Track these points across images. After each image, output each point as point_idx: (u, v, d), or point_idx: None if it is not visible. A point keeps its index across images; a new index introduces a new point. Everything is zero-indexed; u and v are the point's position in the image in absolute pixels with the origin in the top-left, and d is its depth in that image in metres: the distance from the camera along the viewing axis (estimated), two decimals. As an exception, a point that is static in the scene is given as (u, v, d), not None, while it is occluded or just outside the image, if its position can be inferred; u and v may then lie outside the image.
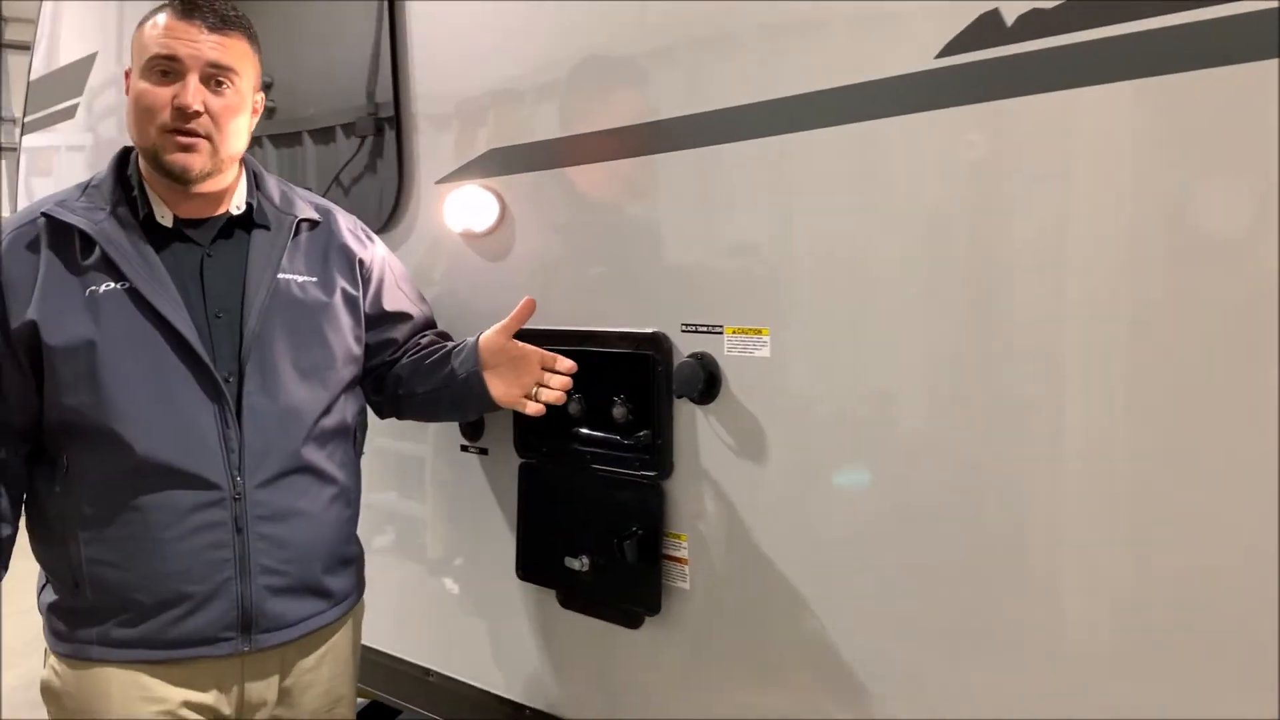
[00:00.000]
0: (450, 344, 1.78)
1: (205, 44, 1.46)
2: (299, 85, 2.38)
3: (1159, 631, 1.27)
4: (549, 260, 1.89)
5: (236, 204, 1.58)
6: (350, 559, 1.69)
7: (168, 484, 1.45)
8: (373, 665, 2.33)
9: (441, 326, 2.11)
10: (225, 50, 1.49)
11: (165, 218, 1.52)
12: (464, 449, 2.10)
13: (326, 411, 1.60)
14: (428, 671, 2.24)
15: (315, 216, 1.67)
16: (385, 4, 2.10)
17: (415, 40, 2.09)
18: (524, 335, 1.87)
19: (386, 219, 2.17)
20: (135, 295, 1.45)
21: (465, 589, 2.18)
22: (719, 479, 1.69)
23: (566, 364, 1.72)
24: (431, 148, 2.09)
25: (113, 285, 1.46)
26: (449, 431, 2.11)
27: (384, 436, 2.26)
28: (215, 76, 1.48)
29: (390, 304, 1.76)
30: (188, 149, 1.47)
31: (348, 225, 1.73)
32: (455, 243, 2.04)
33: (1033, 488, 1.36)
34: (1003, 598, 1.39)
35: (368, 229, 1.80)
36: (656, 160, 1.71)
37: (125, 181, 1.54)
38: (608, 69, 1.77)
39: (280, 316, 1.55)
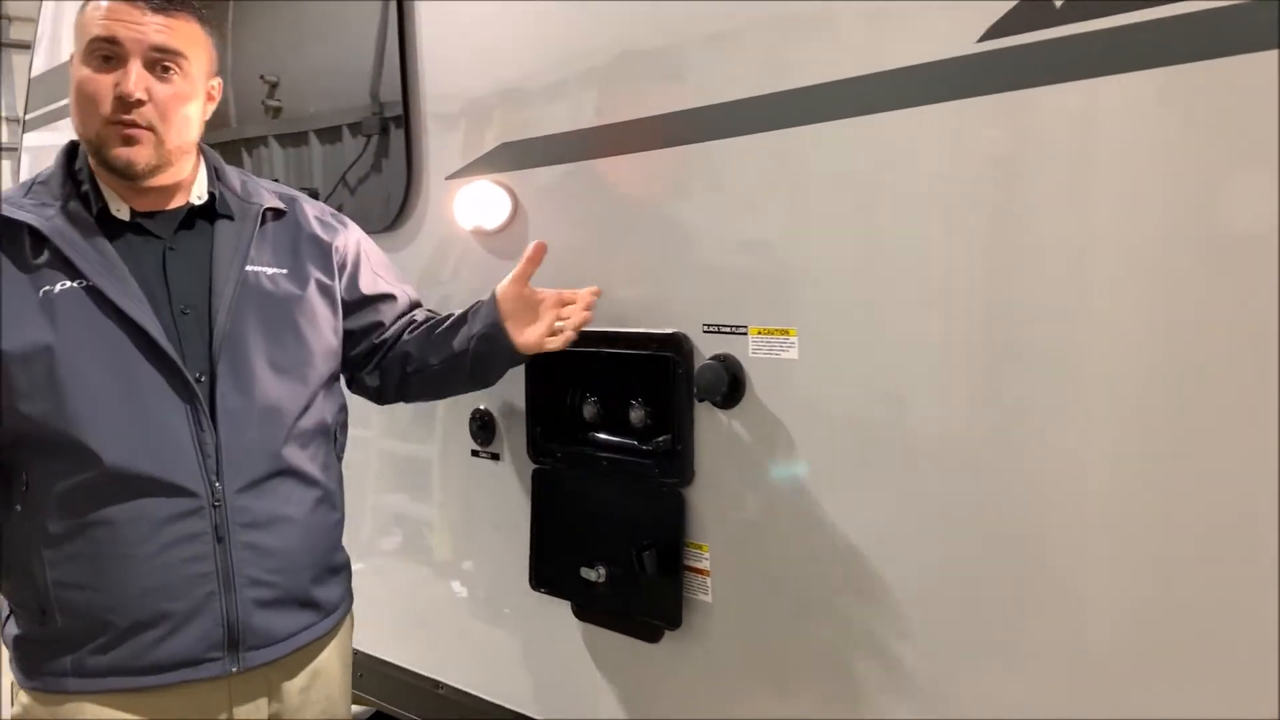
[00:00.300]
0: (459, 312, 1.70)
1: (149, 26, 1.36)
2: (305, 84, 2.32)
3: (1179, 637, 1.23)
4: (563, 258, 1.82)
5: (198, 194, 1.49)
6: (338, 567, 1.60)
7: (140, 493, 1.35)
8: (380, 676, 2.28)
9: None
10: (171, 32, 1.38)
11: (121, 211, 1.43)
12: (475, 454, 2.03)
13: (306, 409, 1.50)
14: (437, 684, 2.18)
15: (280, 205, 1.57)
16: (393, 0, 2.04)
17: (424, 34, 2.03)
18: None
19: (394, 216, 2.11)
20: (94, 293, 1.36)
21: (476, 598, 2.11)
22: (743, 487, 1.62)
23: (587, 290, 1.67)
24: (441, 142, 2.03)
25: (69, 284, 1.36)
26: (459, 436, 2.04)
27: (391, 439, 2.20)
28: (161, 61, 1.37)
29: (369, 287, 1.66)
30: (130, 141, 1.36)
31: (315, 213, 1.64)
32: (466, 241, 1.98)
33: (1066, 492, 1.30)
34: (1038, 604, 1.34)
35: (338, 214, 1.71)
36: (675, 153, 1.65)
37: (75, 176, 1.44)
38: (624, 60, 1.71)
39: (252, 311, 1.46)
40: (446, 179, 2.01)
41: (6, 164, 2.75)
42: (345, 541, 1.63)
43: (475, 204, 1.91)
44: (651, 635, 1.76)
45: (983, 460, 1.37)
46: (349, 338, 1.65)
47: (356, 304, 1.65)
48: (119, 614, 1.36)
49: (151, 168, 1.39)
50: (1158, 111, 1.20)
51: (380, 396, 1.76)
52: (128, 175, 1.38)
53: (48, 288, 1.35)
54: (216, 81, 1.51)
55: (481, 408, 1.99)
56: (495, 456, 2.00)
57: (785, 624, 1.60)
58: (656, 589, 1.72)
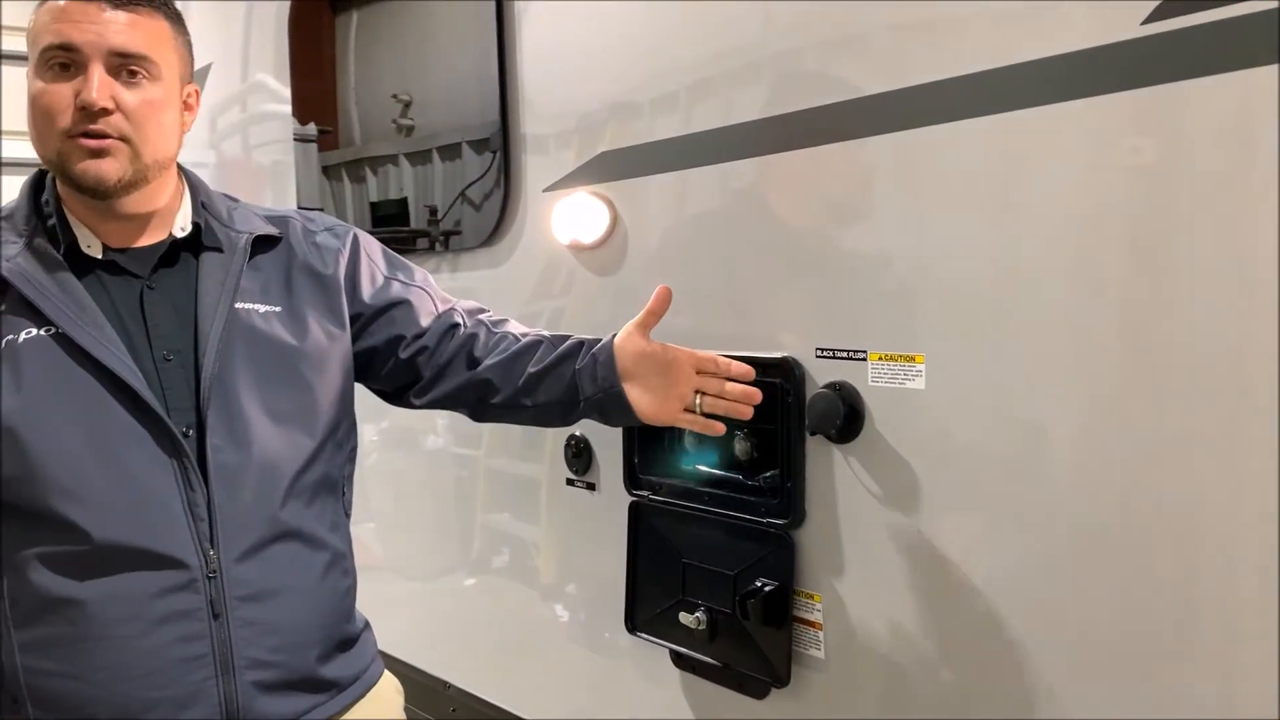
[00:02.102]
0: (557, 344, 1.46)
1: (110, 26, 1.19)
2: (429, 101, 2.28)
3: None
4: (664, 274, 1.70)
5: (181, 225, 1.34)
6: (351, 639, 1.42)
7: (122, 567, 1.21)
8: (472, 713, 2.18)
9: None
10: (135, 32, 1.21)
11: (92, 247, 1.29)
12: (570, 483, 1.92)
13: (310, 463, 1.34)
14: (529, 725, 2.06)
15: (273, 231, 1.40)
16: (493, 5, 1.97)
17: (523, 39, 1.95)
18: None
19: (492, 230, 2.04)
20: (64, 341, 1.22)
21: (572, 636, 2.00)
22: (861, 531, 1.46)
23: (741, 368, 1.39)
24: (539, 153, 1.94)
25: (35, 331, 1.22)
26: (555, 463, 1.94)
27: (499, 457, 2.10)
28: (126, 66, 1.22)
29: (376, 297, 1.46)
30: (99, 154, 1.20)
31: (310, 233, 1.46)
32: (564, 256, 1.87)
33: (1223, 533, 1.15)
34: (1190, 656, 1.19)
35: (336, 224, 1.51)
36: (785, 159, 1.51)
37: (42, 209, 1.31)
38: (732, 61, 1.58)
39: (243, 353, 1.31)
40: (543, 191, 1.92)
41: (6, 180, 2.74)
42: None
43: (573, 217, 1.81)
44: (757, 691, 1.60)
45: (1133, 500, 1.21)
46: (373, 356, 1.47)
47: (368, 319, 1.46)
48: (101, 705, 1.21)
49: (125, 183, 1.24)
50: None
51: (425, 405, 1.54)
52: (99, 194, 1.24)
53: (10, 336, 1.22)
54: (193, 88, 1.35)
55: (577, 434, 1.88)
56: (591, 486, 1.88)
57: (908, 685, 1.43)
58: (762, 641, 1.56)
